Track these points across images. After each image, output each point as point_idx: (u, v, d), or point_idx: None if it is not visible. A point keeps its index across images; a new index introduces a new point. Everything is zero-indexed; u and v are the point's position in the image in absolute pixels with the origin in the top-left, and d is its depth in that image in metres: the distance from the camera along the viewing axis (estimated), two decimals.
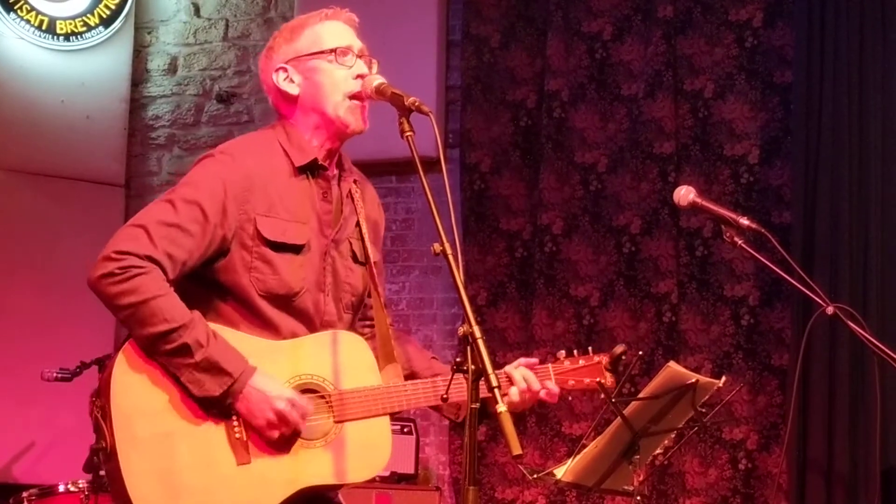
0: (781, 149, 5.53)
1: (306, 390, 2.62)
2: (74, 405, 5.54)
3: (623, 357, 2.86)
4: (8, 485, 5.67)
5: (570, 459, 3.45)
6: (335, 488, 2.68)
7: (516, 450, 2.17)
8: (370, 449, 2.63)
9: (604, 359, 2.85)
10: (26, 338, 6.01)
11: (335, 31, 2.77)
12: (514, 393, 2.70)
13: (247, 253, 2.62)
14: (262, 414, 2.52)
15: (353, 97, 2.72)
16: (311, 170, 2.73)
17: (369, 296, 2.83)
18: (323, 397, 2.61)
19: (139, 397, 2.51)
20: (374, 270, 2.79)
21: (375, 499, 5.20)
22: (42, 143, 6.31)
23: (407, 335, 2.98)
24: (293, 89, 2.75)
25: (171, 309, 2.51)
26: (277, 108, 2.81)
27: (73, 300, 6.18)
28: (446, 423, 5.89)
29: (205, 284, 2.64)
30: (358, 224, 2.80)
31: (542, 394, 2.75)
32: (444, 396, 2.55)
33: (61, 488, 4.73)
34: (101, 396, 2.53)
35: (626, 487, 3.56)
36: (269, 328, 2.64)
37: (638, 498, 3.49)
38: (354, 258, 2.78)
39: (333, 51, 2.73)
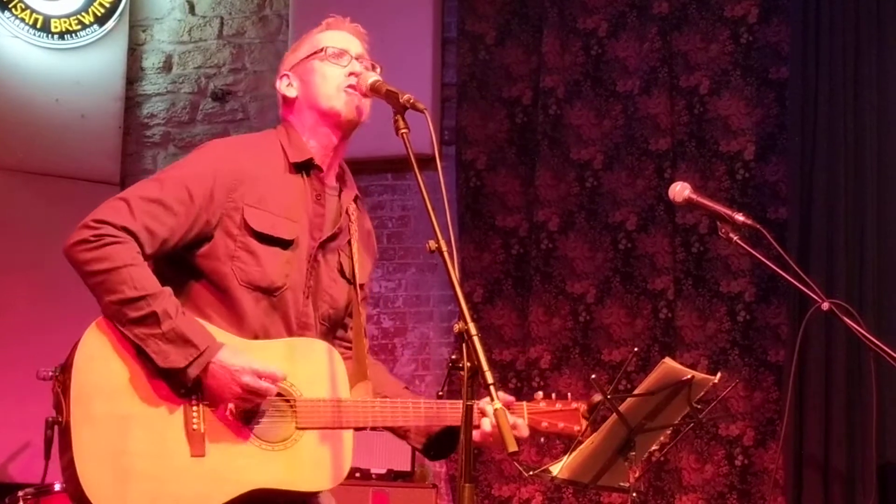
0: (777, 145, 5.53)
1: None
2: None
3: (599, 407, 2.85)
4: (4, 484, 5.66)
5: (566, 456, 3.44)
6: (287, 494, 2.60)
7: (512, 447, 2.18)
8: (327, 460, 2.59)
9: (581, 406, 2.85)
10: (21, 337, 6.00)
11: (333, 36, 2.84)
12: (485, 424, 2.66)
13: (231, 241, 2.62)
14: (228, 387, 2.49)
15: (345, 88, 2.76)
16: (307, 169, 2.74)
17: (350, 316, 2.83)
18: (288, 401, 2.59)
19: (101, 376, 2.48)
20: (360, 294, 2.79)
21: (372, 496, 5.20)
22: (37, 141, 6.30)
23: (380, 364, 2.97)
24: (292, 92, 2.82)
25: (142, 279, 2.50)
26: (282, 115, 2.87)
27: (68, 299, 6.14)
28: None
29: (184, 270, 2.63)
30: (350, 242, 2.80)
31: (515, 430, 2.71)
32: (440, 393, 2.57)
33: (57, 487, 4.72)
34: (63, 371, 2.51)
35: (622, 484, 3.55)
36: (240, 321, 2.61)
37: (634, 494, 3.48)
38: (341, 272, 2.78)
39: (324, 49, 2.79)
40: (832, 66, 5.27)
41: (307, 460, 2.56)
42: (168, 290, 2.54)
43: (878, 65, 5.25)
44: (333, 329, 2.80)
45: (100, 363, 2.49)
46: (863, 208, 5.16)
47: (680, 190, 3.24)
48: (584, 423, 2.82)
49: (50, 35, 6.43)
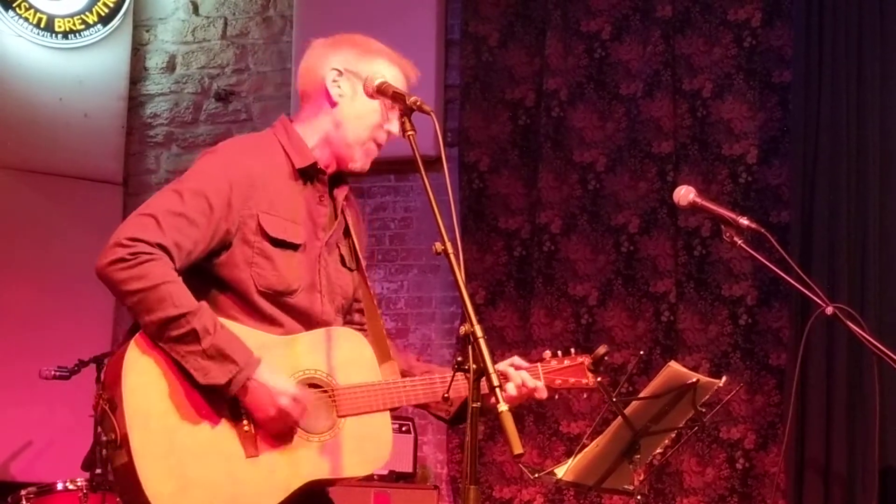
0: (780, 148, 5.53)
1: (309, 385, 2.65)
2: (72, 403, 5.56)
3: (605, 358, 2.90)
4: (6, 483, 5.66)
5: (571, 459, 3.45)
6: (339, 482, 2.71)
7: (517, 449, 2.17)
8: (372, 443, 2.67)
9: (586, 359, 2.90)
10: (24, 336, 6.01)
11: (391, 72, 2.78)
12: (510, 388, 2.76)
13: (248, 248, 2.64)
14: (264, 408, 2.54)
15: (372, 143, 2.78)
16: (310, 173, 2.77)
17: (357, 300, 2.88)
18: (325, 392, 2.65)
19: (149, 389, 2.53)
20: (365, 276, 2.85)
21: (374, 497, 5.20)
22: (40, 141, 6.30)
23: (399, 344, 3.02)
24: (335, 94, 2.77)
25: (180, 295, 2.52)
26: (304, 97, 2.83)
27: (71, 298, 6.18)
28: None
29: (207, 280, 2.65)
30: (347, 231, 2.84)
31: (534, 393, 2.81)
32: (445, 395, 2.57)
33: (59, 486, 4.73)
34: (108, 388, 2.54)
35: (626, 487, 3.56)
36: (273, 324, 2.66)
37: (638, 497, 3.49)
38: (343, 262, 2.82)
39: (384, 86, 2.71)
40: (835, 70, 5.27)
41: (353, 446, 2.64)
42: (205, 304, 2.57)
43: (881, 68, 5.25)
44: (345, 318, 2.86)
45: (147, 377, 2.53)
46: (865, 212, 5.17)
47: (685, 193, 3.24)
48: (591, 375, 2.88)
49: (53, 34, 6.43)
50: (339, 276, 2.80)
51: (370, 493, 5.17)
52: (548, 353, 2.90)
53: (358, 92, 2.76)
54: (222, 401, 2.56)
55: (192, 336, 2.50)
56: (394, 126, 2.76)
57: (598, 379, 2.84)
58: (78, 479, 4.73)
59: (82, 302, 6.21)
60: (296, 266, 2.69)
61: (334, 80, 2.77)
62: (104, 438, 2.54)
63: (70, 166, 6.37)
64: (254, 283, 2.64)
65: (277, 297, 2.66)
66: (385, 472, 5.31)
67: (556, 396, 2.93)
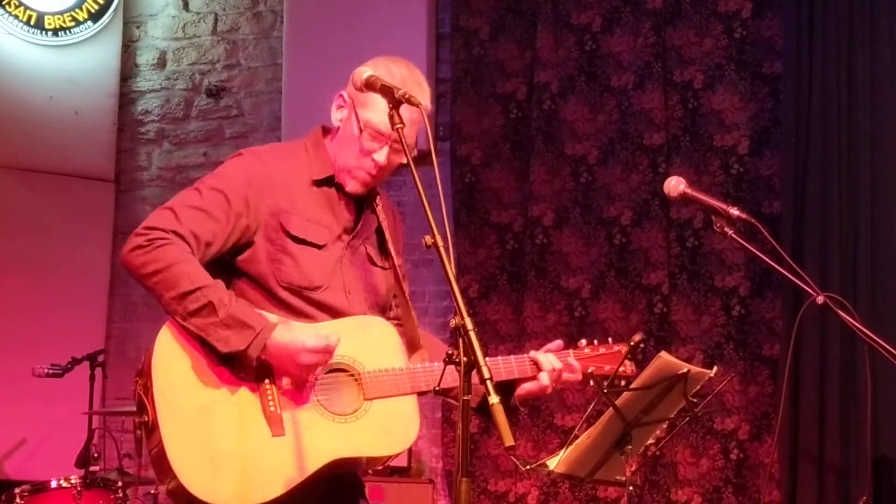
0: (771, 139, 5.54)
1: (336, 370, 2.72)
2: (66, 401, 5.56)
3: (641, 345, 2.99)
4: (0, 481, 5.66)
5: (563, 450, 3.44)
6: (365, 462, 2.80)
7: (508, 441, 2.18)
8: (398, 424, 2.73)
9: (623, 348, 3.00)
10: (17, 334, 6.01)
11: (381, 109, 2.70)
12: (543, 377, 2.85)
13: (270, 245, 2.75)
14: (291, 360, 2.61)
15: (358, 169, 2.80)
16: (328, 183, 2.84)
17: (394, 297, 2.94)
18: (352, 376, 2.72)
19: (178, 373, 2.63)
20: (398, 273, 2.91)
21: (368, 491, 5.19)
22: (30, 138, 6.29)
23: (431, 335, 3.04)
24: (335, 120, 2.86)
25: (195, 272, 2.64)
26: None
27: (64, 295, 6.17)
28: (439, 415, 5.89)
29: (233, 275, 2.77)
30: (378, 230, 2.91)
31: (565, 375, 2.89)
32: (436, 388, 2.63)
33: (53, 484, 4.74)
34: (143, 375, 2.65)
35: (618, 478, 3.56)
36: (301, 317, 2.73)
37: (630, 488, 3.49)
38: (372, 261, 2.89)
39: (364, 126, 2.78)
40: (826, 61, 5.27)
41: (378, 427, 2.71)
42: (220, 281, 2.68)
43: (872, 58, 5.26)
44: (382, 314, 2.92)
45: (175, 362, 2.64)
46: (856, 201, 5.17)
47: (675, 184, 3.24)
48: (628, 363, 2.96)
49: (44, 32, 6.42)
50: (368, 275, 2.87)
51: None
52: (583, 342, 2.99)
53: (351, 118, 2.81)
54: (249, 379, 2.63)
55: (209, 308, 2.60)
56: (380, 155, 2.78)
57: (591, 369, 2.86)
58: (72, 477, 4.74)
59: (75, 299, 6.21)
60: (319, 264, 2.77)
61: (339, 106, 2.85)
62: (138, 420, 2.67)
63: (61, 164, 6.36)
64: (276, 279, 2.74)
65: (300, 292, 2.74)
66: (379, 467, 5.31)
67: (591, 382, 2.96)
